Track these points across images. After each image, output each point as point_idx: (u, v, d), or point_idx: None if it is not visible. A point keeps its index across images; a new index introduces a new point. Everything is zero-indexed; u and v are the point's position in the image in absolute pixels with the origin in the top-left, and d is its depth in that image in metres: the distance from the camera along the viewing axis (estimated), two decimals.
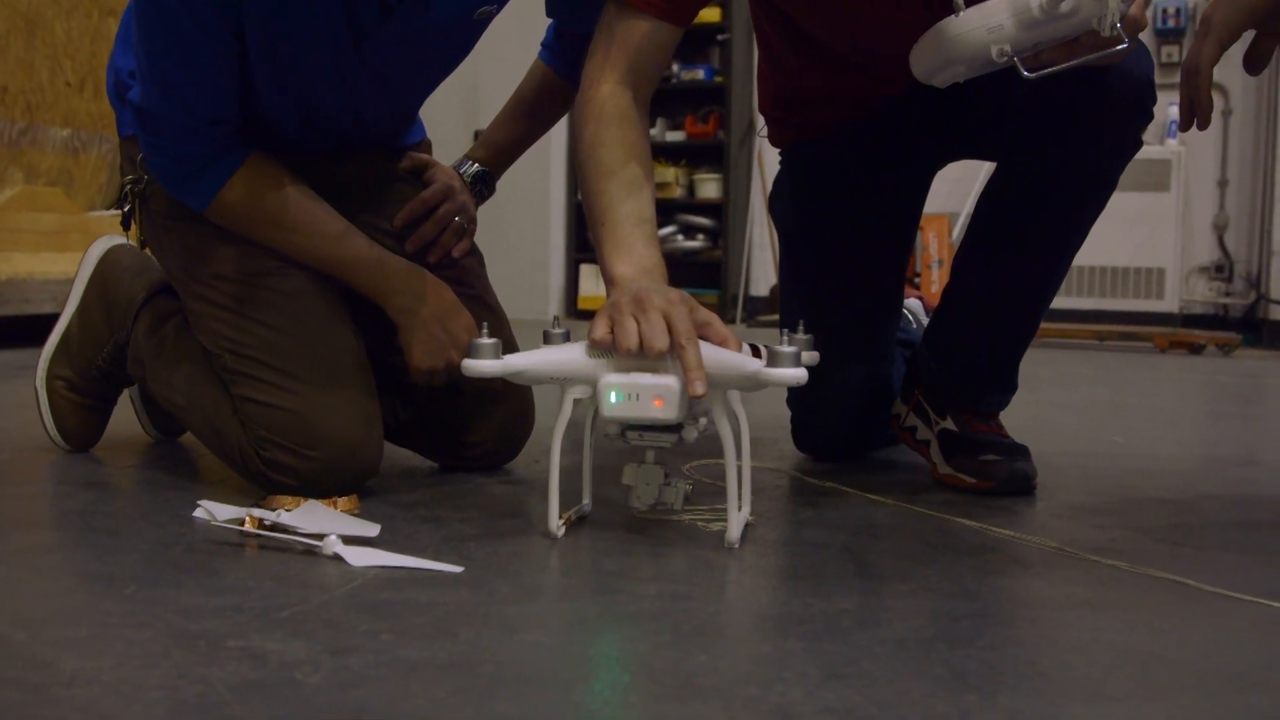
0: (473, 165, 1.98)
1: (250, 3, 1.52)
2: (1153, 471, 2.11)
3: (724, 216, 7.56)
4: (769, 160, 7.67)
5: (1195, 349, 5.76)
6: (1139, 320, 6.57)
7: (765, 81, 2.12)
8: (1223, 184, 6.86)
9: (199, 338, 1.67)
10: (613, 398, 1.34)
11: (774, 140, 2.13)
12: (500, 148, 2.00)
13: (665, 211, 7.75)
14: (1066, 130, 1.67)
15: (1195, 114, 1.56)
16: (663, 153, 7.75)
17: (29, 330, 4.38)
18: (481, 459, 1.87)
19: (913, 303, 2.47)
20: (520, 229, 7.78)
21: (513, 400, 1.86)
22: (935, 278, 6.48)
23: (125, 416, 2.13)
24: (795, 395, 2.06)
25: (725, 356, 1.36)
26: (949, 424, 1.86)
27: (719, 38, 7.51)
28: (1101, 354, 5.51)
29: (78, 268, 2.04)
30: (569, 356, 1.39)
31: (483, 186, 1.99)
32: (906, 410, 1.96)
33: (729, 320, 7.47)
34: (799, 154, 2.09)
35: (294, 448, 1.57)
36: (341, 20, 1.59)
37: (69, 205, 4.91)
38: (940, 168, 2.07)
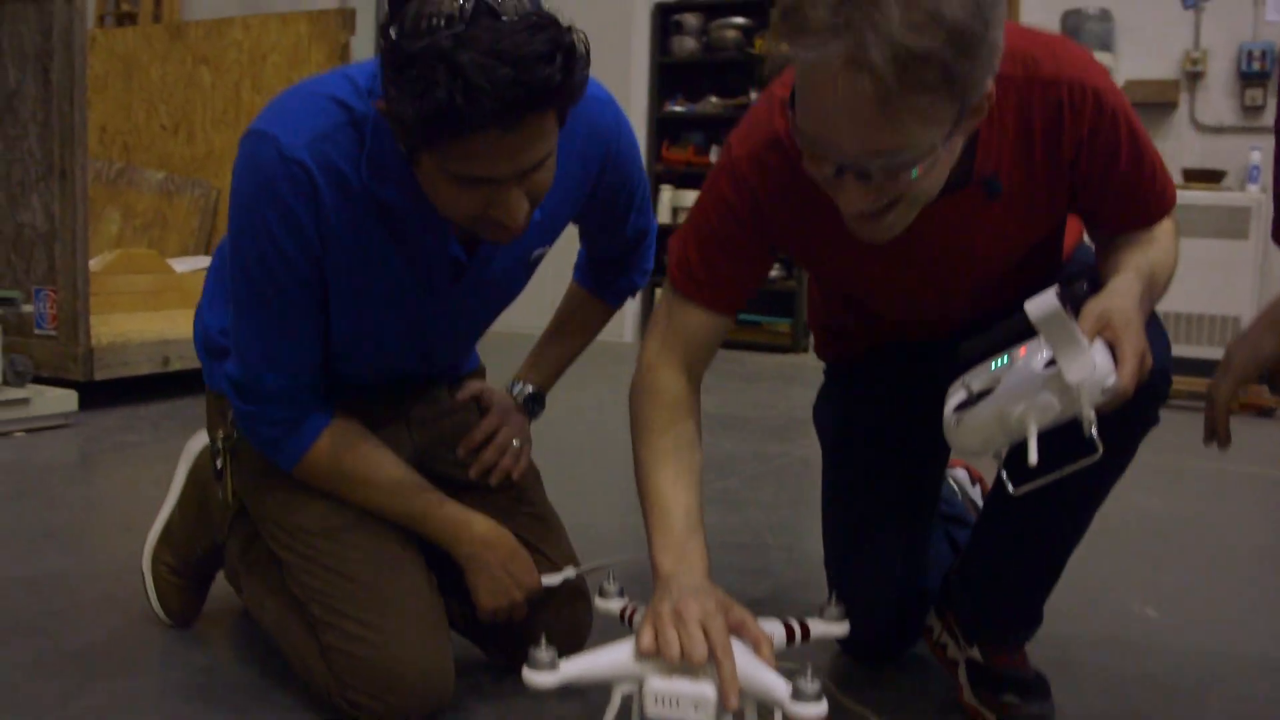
0: (525, 387, 2.13)
1: (330, 267, 1.67)
2: (1189, 681, 2.20)
3: None
4: None
5: (1264, 412, 5.78)
6: (1212, 369, 6.55)
7: (813, 306, 2.23)
8: None
9: (289, 584, 1.83)
10: (655, 702, 1.47)
11: (820, 354, 2.24)
12: (548, 367, 2.16)
13: None
14: None
15: (1215, 436, 1.66)
16: None
17: (128, 391, 4.61)
18: None
19: (959, 473, 2.57)
20: None
21: (572, 607, 2.00)
22: None
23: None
24: (836, 585, 2.16)
25: (756, 675, 1.49)
26: (975, 654, 1.97)
27: None
28: (1164, 416, 5.52)
29: (179, 462, 2.22)
30: (618, 661, 1.53)
31: (535, 405, 2.14)
32: (940, 628, 2.08)
33: (800, 350, 7.57)
34: (843, 367, 2.20)
35: (374, 693, 1.73)
36: (414, 278, 1.74)
37: (163, 265, 5.12)
38: None
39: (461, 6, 1.34)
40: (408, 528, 1.85)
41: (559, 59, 1.38)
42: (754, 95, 7.65)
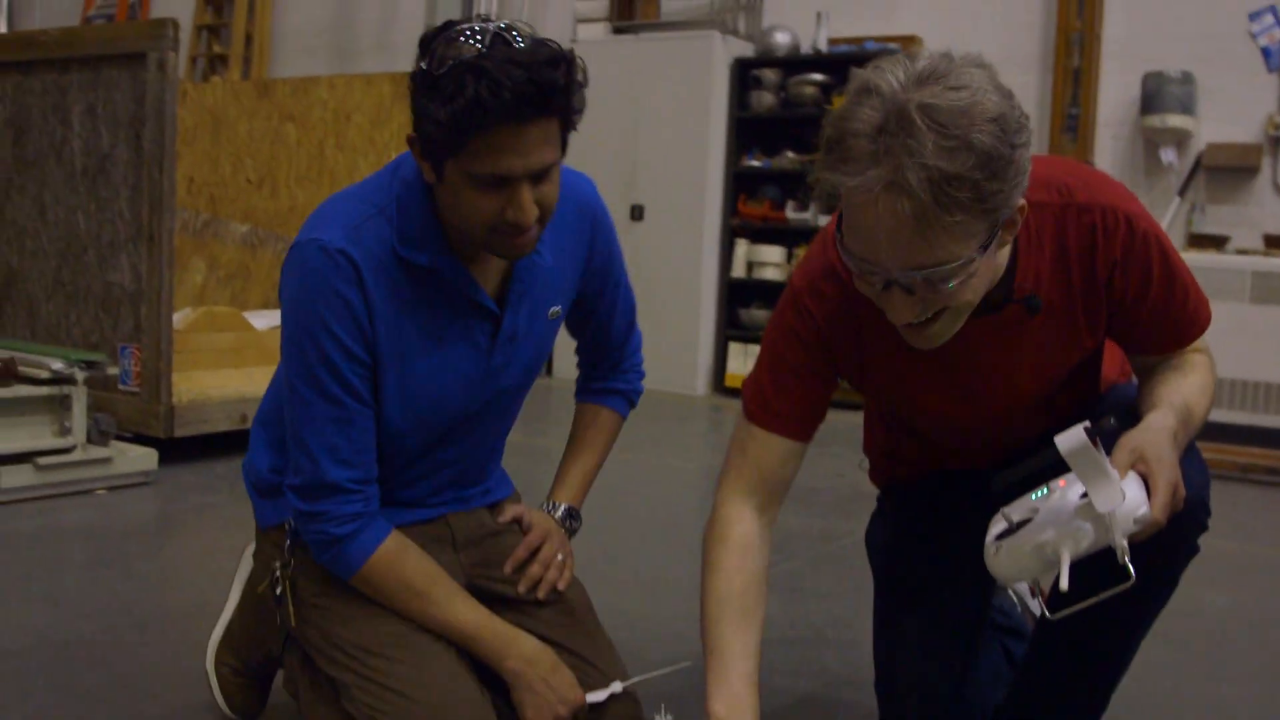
0: (559, 506, 2.20)
1: (385, 339, 1.82)
2: None
3: None
4: None
5: None
6: None
7: (869, 432, 2.27)
8: None
9: (345, 703, 1.89)
10: None
11: (874, 479, 2.28)
12: (576, 484, 2.24)
13: None
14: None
15: None
16: (814, 238, 7.84)
17: (207, 447, 4.73)
18: None
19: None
20: (671, 306, 7.97)
21: (618, 707, 2.05)
22: None
23: None
24: (884, 703, 2.18)
25: None
26: None
27: None
28: (1240, 492, 5.47)
29: (238, 565, 2.30)
30: None
31: (573, 521, 2.22)
32: None
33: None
34: (896, 493, 2.23)
35: None
36: (458, 331, 1.89)
37: (244, 323, 5.24)
38: None
39: (482, 38, 1.62)
40: (458, 644, 1.91)
41: (563, 67, 1.65)
42: None
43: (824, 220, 7.67)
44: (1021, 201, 1.56)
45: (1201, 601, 3.45)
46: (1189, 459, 1.74)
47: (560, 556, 2.11)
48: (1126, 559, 1.53)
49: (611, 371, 2.27)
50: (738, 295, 8.09)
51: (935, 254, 1.50)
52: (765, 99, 7.90)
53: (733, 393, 7.86)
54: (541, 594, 2.07)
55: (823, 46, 7.84)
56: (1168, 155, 7.02)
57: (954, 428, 1.99)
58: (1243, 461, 5.89)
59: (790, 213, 7.88)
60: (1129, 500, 1.52)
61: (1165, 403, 1.70)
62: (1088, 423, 1.52)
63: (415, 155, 1.76)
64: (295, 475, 1.86)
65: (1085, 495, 1.54)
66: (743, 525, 1.86)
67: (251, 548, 2.26)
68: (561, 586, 2.10)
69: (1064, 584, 1.52)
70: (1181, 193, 7.03)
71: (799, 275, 1.87)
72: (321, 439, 1.82)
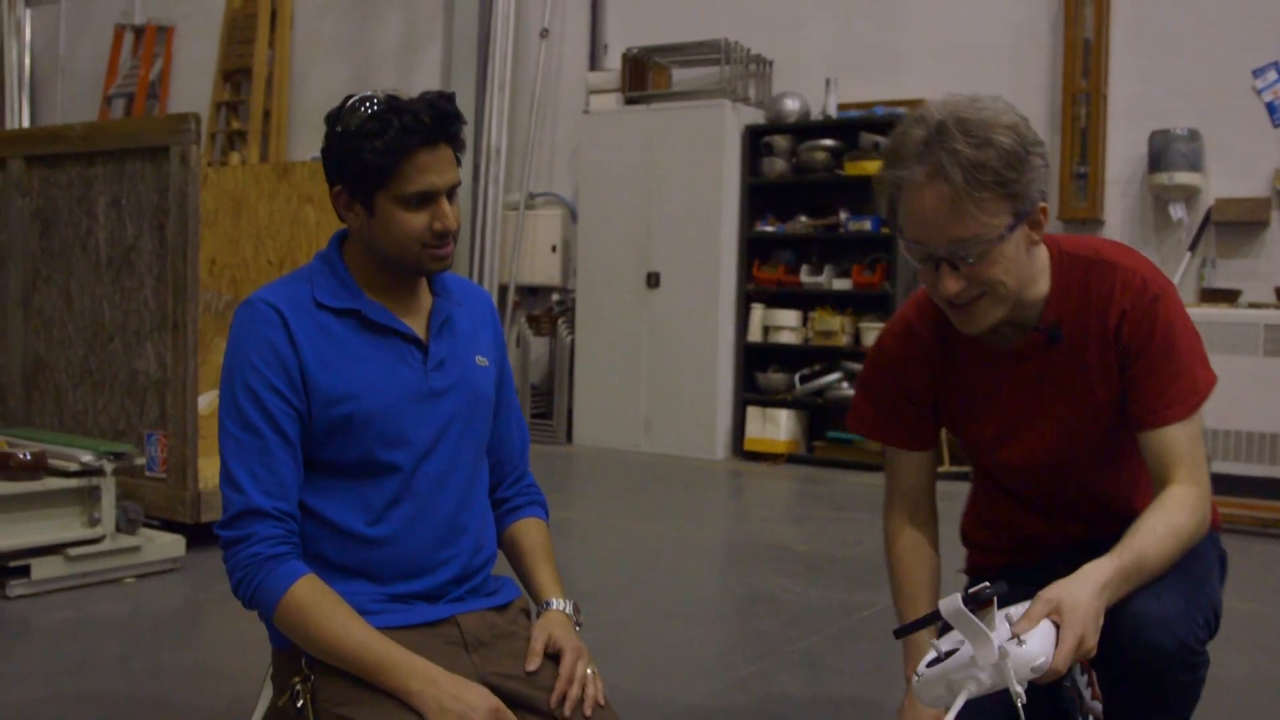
0: (566, 602, 2.22)
1: (317, 370, 2.01)
2: None
3: None
4: None
5: None
6: None
7: (969, 511, 2.43)
8: None
9: None
10: None
11: (969, 567, 2.42)
12: (557, 582, 2.26)
13: (829, 358, 7.93)
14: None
15: None
16: (829, 300, 7.94)
17: None
18: None
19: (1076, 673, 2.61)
20: (689, 371, 8.04)
21: None
22: None
23: None
24: None
25: None
26: None
27: None
28: (1257, 546, 5.47)
29: (259, 693, 2.34)
30: None
31: (578, 613, 2.25)
32: None
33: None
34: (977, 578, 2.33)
35: None
36: (393, 355, 2.09)
37: None
38: None
39: (378, 99, 1.99)
40: (366, 673, 1.93)
41: (453, 103, 2.04)
42: (843, 215, 7.78)
43: (838, 283, 7.76)
44: (1043, 203, 1.96)
45: (1220, 666, 3.45)
46: (1167, 600, 1.87)
47: (590, 670, 2.14)
48: (1020, 705, 1.69)
49: (518, 485, 2.37)
50: (754, 359, 8.15)
51: (969, 227, 1.88)
52: (777, 165, 7.99)
53: (751, 456, 7.91)
54: (588, 711, 2.08)
55: (832, 112, 7.94)
56: (1177, 211, 7.08)
57: (1014, 468, 2.21)
58: (1263, 516, 5.90)
59: (804, 276, 7.95)
60: (1028, 650, 1.70)
61: (1115, 551, 1.87)
62: (968, 590, 1.72)
63: (341, 207, 2.06)
64: (224, 512, 1.99)
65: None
66: (903, 536, 2.26)
67: (269, 670, 2.31)
68: (602, 701, 2.12)
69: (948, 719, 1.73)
70: (1192, 248, 7.09)
71: (884, 330, 2.29)
72: (246, 470, 1.98)
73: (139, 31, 11.56)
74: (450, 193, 2.05)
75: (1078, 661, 1.78)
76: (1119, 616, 1.86)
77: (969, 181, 1.86)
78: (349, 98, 2.04)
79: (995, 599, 1.71)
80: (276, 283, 2.12)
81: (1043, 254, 2.08)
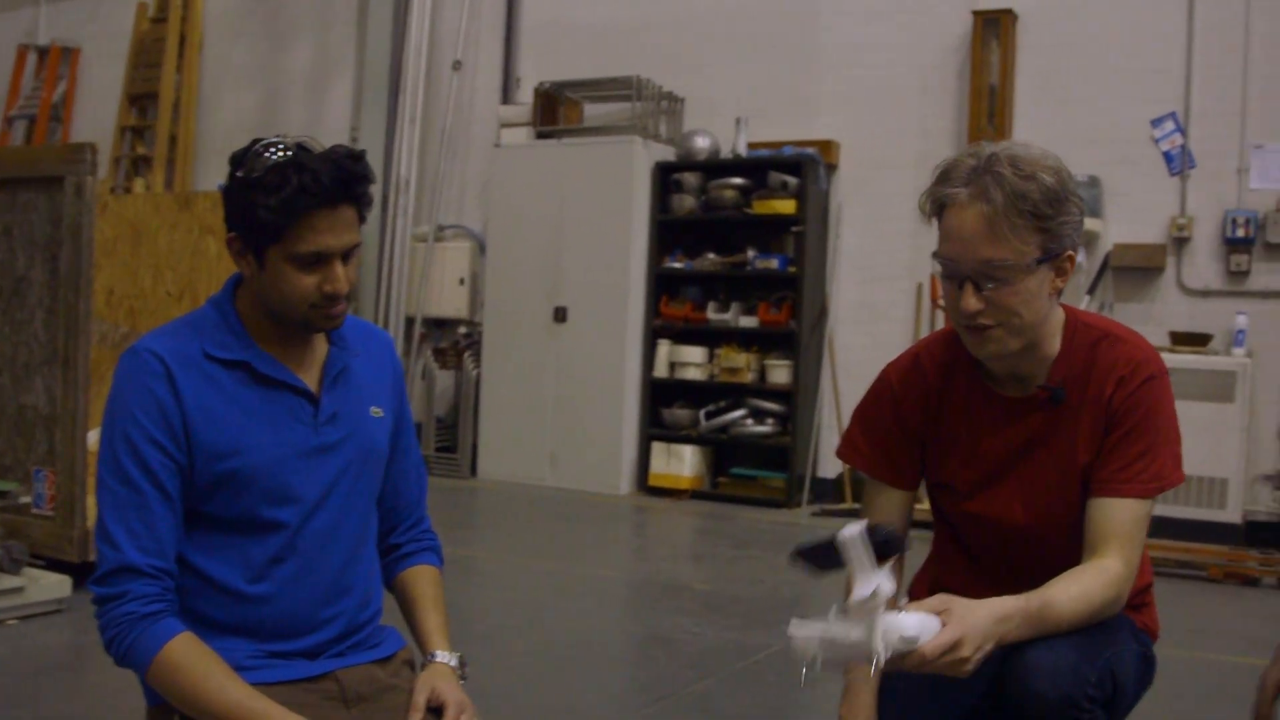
0: (452, 655, 2.18)
1: (203, 428, 1.95)
2: None
3: (793, 402, 7.74)
4: (839, 347, 7.87)
5: (1250, 581, 5.83)
6: (1200, 530, 6.62)
7: (925, 565, 2.43)
8: None
9: None
10: None
11: None
12: (444, 633, 2.23)
13: (735, 394, 7.97)
14: None
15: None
16: (735, 338, 7.98)
17: None
18: None
19: None
20: (595, 406, 8.03)
21: None
22: None
23: None
24: None
25: None
26: None
27: (794, 229, 7.72)
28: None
29: None
30: None
31: (463, 666, 2.21)
32: None
33: (794, 505, 7.63)
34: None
35: None
36: (282, 409, 2.03)
37: None
38: None
39: (288, 148, 1.92)
40: None
41: (361, 164, 1.96)
42: (751, 253, 7.83)
43: (745, 321, 7.81)
44: (1072, 252, 2.03)
45: None
46: (1059, 652, 1.90)
47: None
48: (875, 663, 1.75)
49: (413, 531, 2.33)
50: (660, 395, 8.16)
51: (999, 250, 1.96)
52: (686, 202, 8.03)
53: (656, 492, 7.91)
54: None
55: (742, 151, 8.00)
56: (1077, 256, 7.20)
57: (981, 520, 2.22)
58: (1154, 555, 6.00)
59: (712, 313, 7.98)
60: (904, 619, 1.76)
61: (1025, 596, 1.91)
62: (872, 527, 1.78)
63: (234, 254, 1.98)
64: (98, 567, 1.93)
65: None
66: None
67: None
68: None
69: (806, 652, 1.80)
70: (1091, 291, 7.21)
71: (891, 362, 2.34)
72: (123, 525, 1.92)
73: (43, 52, 11.35)
74: (346, 254, 1.98)
75: (949, 671, 1.79)
76: (1013, 662, 1.89)
77: (1008, 206, 1.95)
78: (256, 141, 1.97)
79: (899, 558, 1.79)
80: (164, 329, 2.05)
81: (1060, 316, 2.14)
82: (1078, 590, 1.95)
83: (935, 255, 2.07)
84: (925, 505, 2.36)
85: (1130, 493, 2.04)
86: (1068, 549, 2.09)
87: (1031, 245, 1.97)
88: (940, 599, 1.84)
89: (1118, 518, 2.04)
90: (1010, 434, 2.17)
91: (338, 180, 1.91)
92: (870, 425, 2.31)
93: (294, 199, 1.89)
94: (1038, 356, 2.12)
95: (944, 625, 1.79)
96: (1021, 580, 2.03)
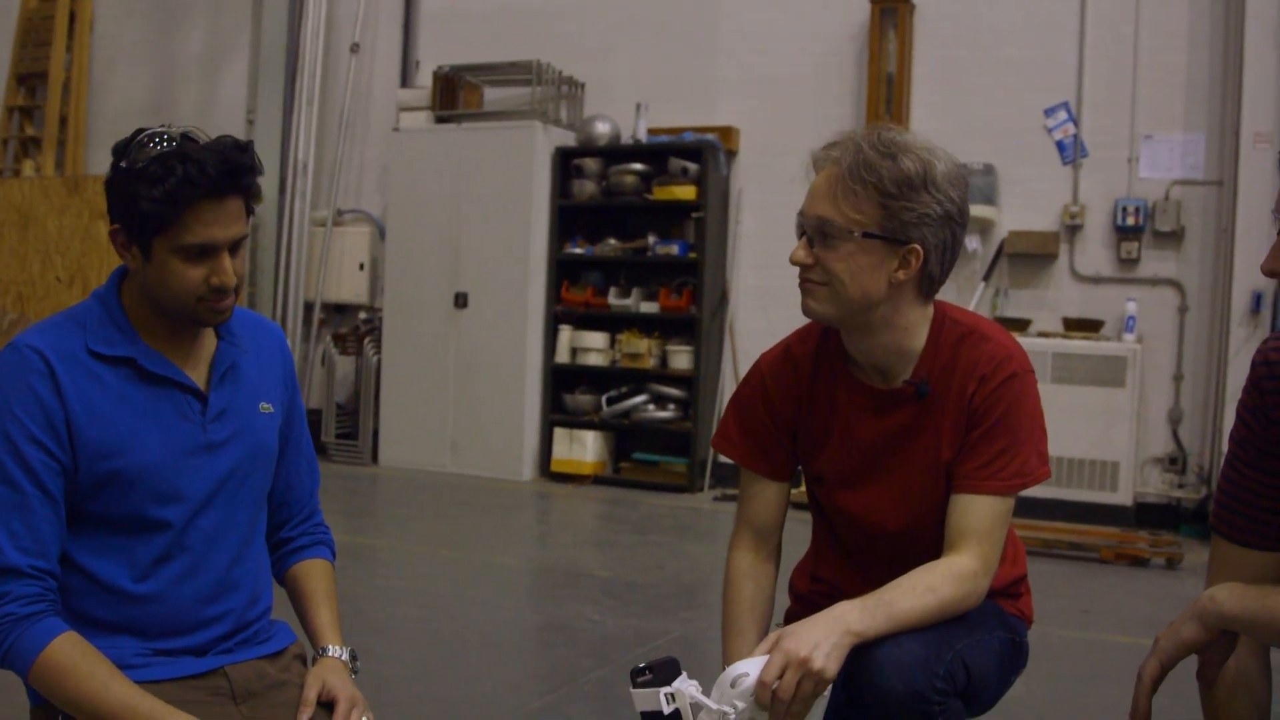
0: (342, 650, 2.17)
1: (88, 426, 1.91)
2: None
3: (694, 387, 7.77)
4: (739, 333, 7.91)
5: (1140, 562, 5.96)
6: (1092, 512, 6.77)
7: (806, 554, 2.43)
8: (1178, 378, 7.08)
9: None
10: None
11: (785, 616, 2.41)
12: (335, 628, 2.21)
13: (636, 380, 7.99)
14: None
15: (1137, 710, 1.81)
16: (636, 324, 8.00)
17: None
18: None
19: None
20: (496, 392, 8.01)
21: None
22: None
23: None
24: None
25: None
26: None
27: (694, 215, 7.75)
28: (1043, 569, 5.67)
29: None
30: None
31: (355, 661, 2.20)
32: None
33: (695, 490, 7.67)
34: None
35: None
36: (170, 407, 2.00)
37: None
38: None
39: (172, 138, 1.89)
40: None
41: (248, 154, 1.93)
42: (651, 239, 7.84)
43: (646, 306, 7.82)
44: (917, 246, 2.03)
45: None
46: (907, 647, 1.92)
47: (368, 718, 2.10)
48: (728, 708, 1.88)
49: (305, 524, 2.32)
50: (562, 380, 8.16)
51: (832, 212, 2.02)
52: (587, 187, 8.02)
53: (558, 478, 7.91)
54: None
55: (642, 136, 8.00)
56: (972, 243, 7.32)
57: (852, 513, 2.24)
58: (1047, 537, 6.13)
59: (613, 299, 7.99)
60: (733, 667, 1.91)
61: (867, 595, 1.98)
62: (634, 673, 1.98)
63: (118, 246, 1.94)
64: None
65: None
66: (743, 562, 2.30)
67: None
68: None
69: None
70: (986, 278, 7.33)
71: (764, 352, 2.35)
72: (3, 526, 1.87)
73: None
74: (234, 246, 1.95)
75: (809, 680, 1.85)
76: (863, 659, 1.91)
77: (851, 173, 2.00)
78: (140, 131, 1.92)
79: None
80: (46, 324, 2.00)
81: (928, 313, 2.14)
82: (922, 586, 1.98)
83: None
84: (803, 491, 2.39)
85: (989, 489, 2.06)
86: (937, 544, 2.10)
87: (866, 217, 2.01)
88: (770, 641, 1.92)
89: (975, 514, 2.06)
90: (878, 426, 2.18)
91: (224, 171, 1.88)
92: (743, 415, 2.32)
93: (178, 190, 1.85)
94: (905, 352, 2.14)
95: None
96: (893, 573, 2.05)
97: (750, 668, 1.88)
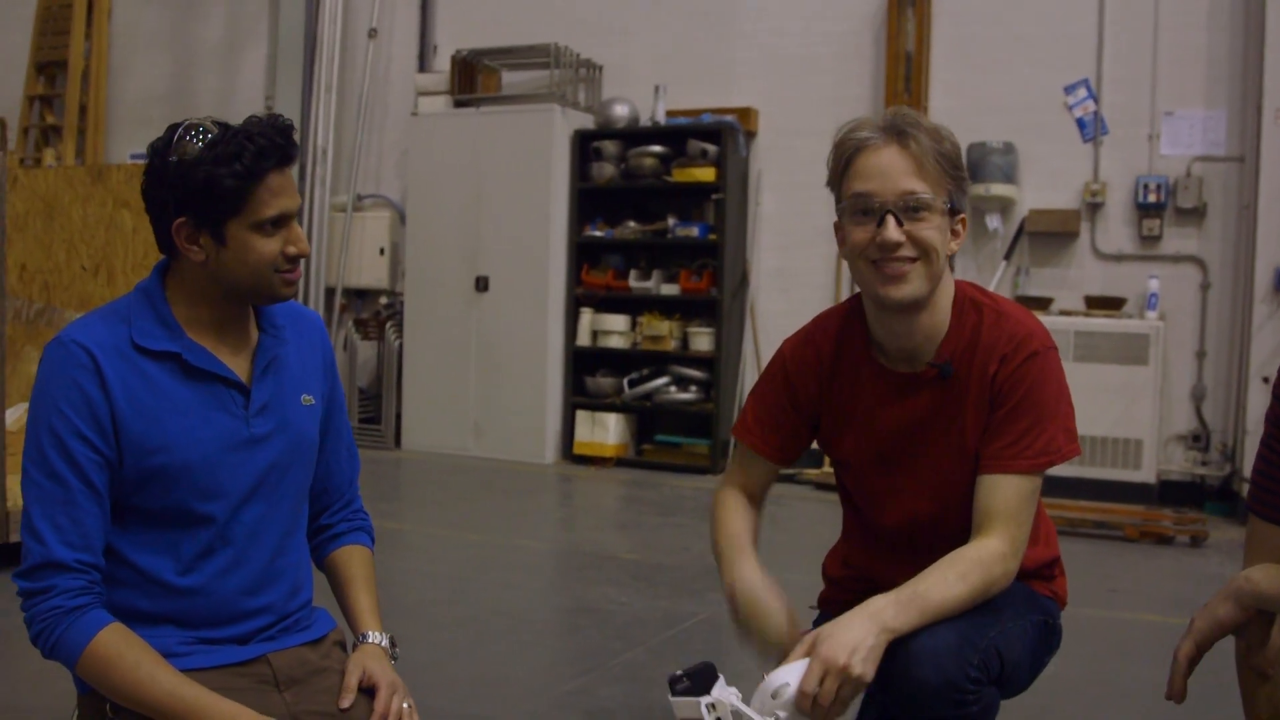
0: (382, 636, 2.20)
1: (134, 420, 1.92)
2: None
3: (716, 369, 7.79)
4: (760, 314, 7.92)
5: (1165, 539, 5.96)
6: (1116, 490, 6.77)
7: (839, 542, 2.46)
8: (1201, 355, 7.07)
9: None
10: None
11: (820, 600, 2.46)
12: (375, 614, 2.24)
13: (658, 362, 8.00)
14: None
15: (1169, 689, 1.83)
16: (657, 306, 8.01)
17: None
18: None
19: None
20: (517, 376, 8.03)
21: None
22: None
23: None
24: None
25: None
26: None
27: (714, 196, 7.75)
28: (1067, 548, 5.66)
29: None
30: None
31: (394, 647, 2.23)
32: None
33: (718, 471, 7.69)
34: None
35: None
36: (214, 402, 2.02)
37: None
38: None
39: (211, 128, 1.94)
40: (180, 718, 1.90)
41: (291, 127, 2.00)
42: (671, 221, 7.84)
43: (666, 289, 7.82)
44: (964, 215, 2.12)
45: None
46: (940, 637, 1.93)
47: (408, 704, 2.12)
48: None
49: (344, 511, 2.34)
50: (583, 363, 8.18)
51: (922, 183, 2.02)
52: (606, 170, 8.02)
53: (581, 460, 7.94)
54: None
55: (661, 119, 8.01)
56: (993, 222, 7.31)
57: (886, 506, 2.25)
58: (1071, 516, 6.13)
59: (633, 281, 8.00)
60: (771, 677, 1.92)
61: (899, 588, 1.98)
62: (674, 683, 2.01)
63: (183, 240, 1.95)
64: (23, 561, 1.90)
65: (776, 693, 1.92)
66: (734, 498, 2.34)
67: (75, 715, 2.24)
68: None
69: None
70: (1007, 257, 7.32)
71: (787, 338, 2.37)
72: (49, 520, 1.89)
73: None
74: (299, 213, 2.03)
75: (848, 686, 1.87)
76: (897, 651, 1.92)
77: (932, 146, 2.04)
78: (174, 127, 1.96)
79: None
80: (92, 317, 2.00)
81: (950, 292, 2.16)
82: (953, 574, 1.99)
83: (843, 201, 2.09)
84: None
85: (1015, 469, 2.07)
86: (967, 528, 2.11)
87: (941, 192, 2.05)
88: (807, 643, 1.93)
89: (1002, 495, 2.06)
90: (901, 410, 2.18)
91: (281, 143, 1.96)
92: (763, 399, 2.34)
93: (255, 163, 1.92)
94: (933, 330, 2.14)
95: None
96: (924, 557, 2.07)
97: (790, 676, 1.90)
